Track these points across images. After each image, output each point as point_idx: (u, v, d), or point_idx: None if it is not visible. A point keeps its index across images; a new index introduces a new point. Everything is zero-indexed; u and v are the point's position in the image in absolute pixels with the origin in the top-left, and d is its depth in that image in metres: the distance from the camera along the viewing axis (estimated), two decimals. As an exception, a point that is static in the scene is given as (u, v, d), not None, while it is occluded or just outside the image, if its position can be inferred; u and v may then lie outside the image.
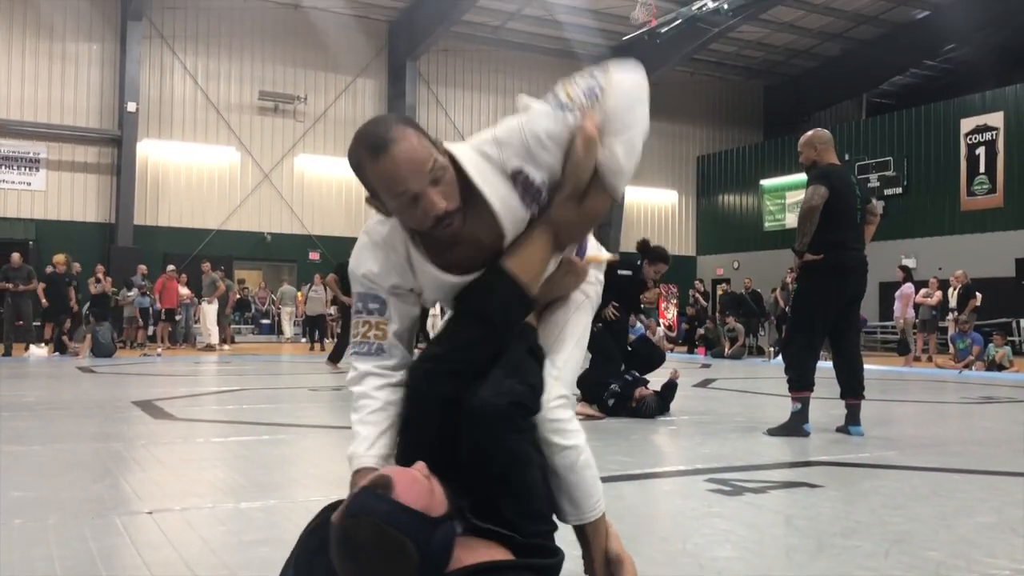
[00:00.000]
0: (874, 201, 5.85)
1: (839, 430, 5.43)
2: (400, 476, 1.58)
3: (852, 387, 5.42)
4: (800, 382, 5.34)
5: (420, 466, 1.63)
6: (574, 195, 1.83)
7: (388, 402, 1.86)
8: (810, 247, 5.30)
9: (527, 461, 1.74)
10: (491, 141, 1.80)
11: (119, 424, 5.69)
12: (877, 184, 21.32)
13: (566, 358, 1.95)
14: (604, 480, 3.75)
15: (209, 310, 16.79)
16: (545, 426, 1.83)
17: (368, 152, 1.69)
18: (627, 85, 1.82)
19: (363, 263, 1.90)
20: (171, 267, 17.45)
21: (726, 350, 16.80)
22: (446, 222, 1.73)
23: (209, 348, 16.56)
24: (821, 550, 2.79)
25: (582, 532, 1.94)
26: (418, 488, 1.57)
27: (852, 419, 5.40)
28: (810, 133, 5.68)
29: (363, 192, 1.81)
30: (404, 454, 1.80)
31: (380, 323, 1.89)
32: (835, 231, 5.29)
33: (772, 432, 5.31)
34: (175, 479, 3.88)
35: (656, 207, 27.09)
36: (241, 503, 3.29)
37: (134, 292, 16.67)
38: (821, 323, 5.40)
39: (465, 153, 1.78)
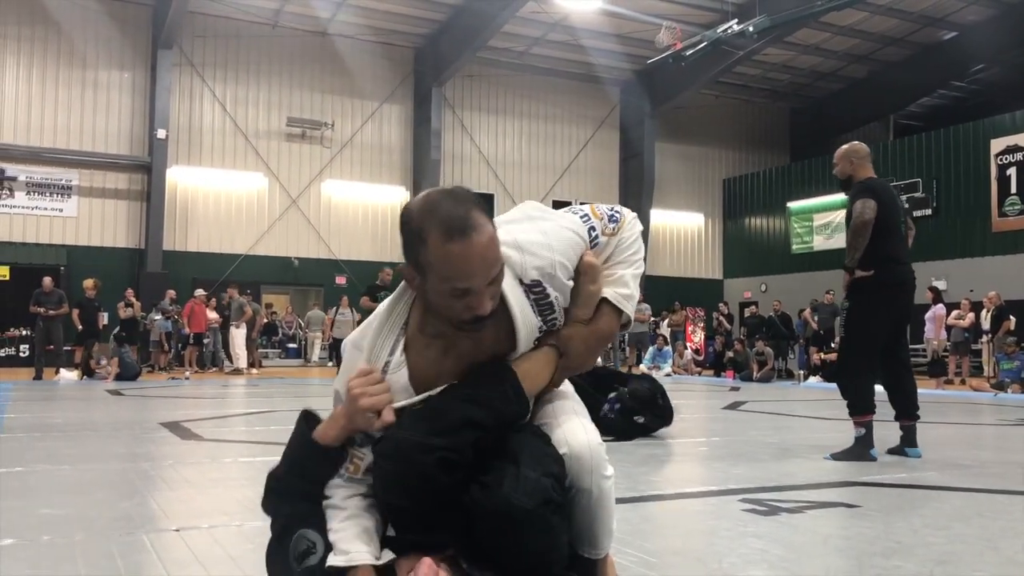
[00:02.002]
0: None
1: (892, 452, 5.25)
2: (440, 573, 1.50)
3: (906, 408, 5.25)
4: (861, 406, 5.14)
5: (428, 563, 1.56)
6: (583, 318, 1.83)
7: (359, 512, 1.73)
8: (860, 263, 5.16)
9: (559, 549, 1.68)
10: (513, 244, 1.73)
11: (147, 444, 5.69)
12: (906, 206, 21.03)
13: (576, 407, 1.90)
14: (634, 501, 3.72)
15: (238, 334, 16.89)
16: (595, 454, 1.76)
17: (443, 230, 1.57)
18: (635, 224, 1.93)
19: (355, 348, 1.81)
20: (200, 291, 17.64)
21: (755, 373, 16.62)
22: (480, 323, 1.66)
23: (237, 372, 16.64)
24: (861, 570, 2.70)
25: (592, 568, 1.86)
26: None
27: (908, 441, 5.23)
28: (846, 147, 5.59)
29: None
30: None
31: (357, 456, 1.76)
32: (885, 246, 5.15)
33: (836, 457, 5.09)
34: (202, 498, 3.86)
35: (682, 230, 26.98)
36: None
37: (159, 316, 16.82)
38: (876, 342, 5.19)
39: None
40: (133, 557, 2.71)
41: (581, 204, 1.93)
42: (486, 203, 1.70)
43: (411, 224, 1.62)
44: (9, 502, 3.58)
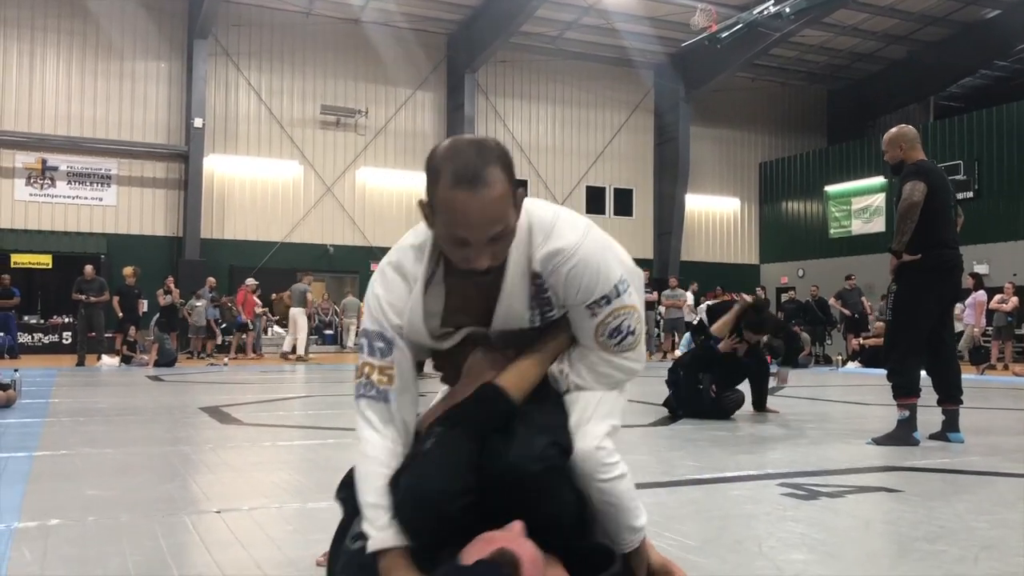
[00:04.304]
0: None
1: (934, 437, 5.18)
2: (524, 553, 1.48)
3: (950, 392, 5.18)
4: (906, 388, 5.09)
5: (519, 528, 1.54)
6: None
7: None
8: (908, 247, 5.08)
9: (568, 511, 1.70)
10: (544, 224, 1.73)
11: (187, 429, 5.77)
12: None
13: (609, 398, 1.89)
14: (671, 485, 3.70)
15: (300, 320, 16.98)
16: (587, 459, 1.77)
17: (454, 176, 1.59)
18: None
19: (377, 285, 1.82)
20: (251, 280, 18.05)
21: (792, 358, 16.45)
22: (479, 274, 1.68)
23: (285, 357, 16.76)
24: (904, 555, 2.67)
25: (629, 559, 1.86)
26: (539, 568, 1.49)
27: (951, 426, 5.17)
28: (894, 131, 5.49)
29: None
30: None
31: (385, 368, 1.77)
32: (933, 229, 5.07)
33: (878, 441, 5.04)
34: (242, 481, 3.90)
35: (718, 215, 26.74)
36: (308, 503, 3.29)
37: (202, 303, 17.03)
38: (924, 325, 5.12)
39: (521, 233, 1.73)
40: (176, 538, 2.75)
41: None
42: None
43: (432, 162, 1.65)
44: (56, 484, 3.65)
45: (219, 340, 17.74)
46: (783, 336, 6.60)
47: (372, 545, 1.65)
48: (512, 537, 1.50)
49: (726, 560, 2.52)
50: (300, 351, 16.79)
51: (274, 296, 19.80)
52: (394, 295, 1.78)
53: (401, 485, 1.68)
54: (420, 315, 1.77)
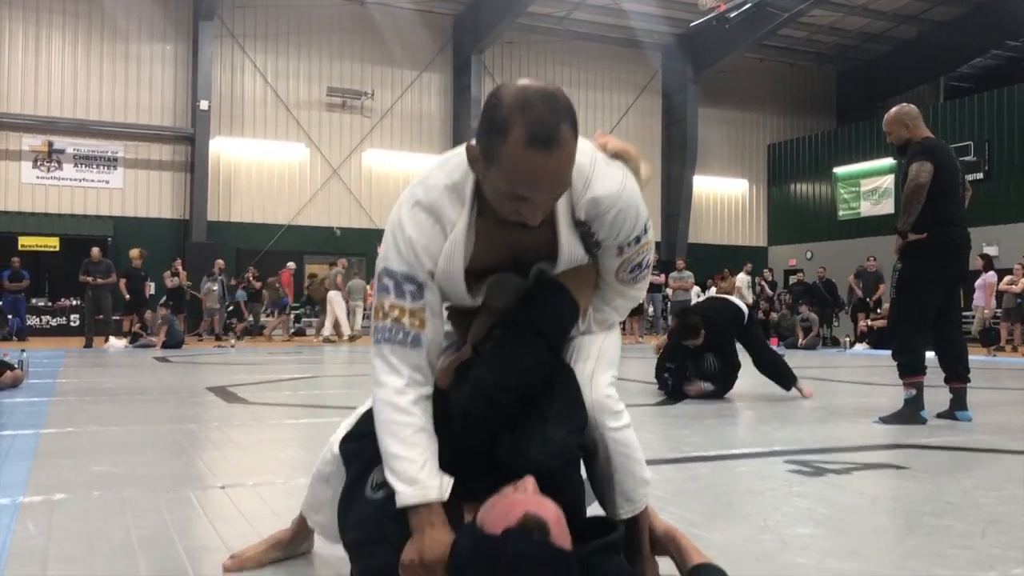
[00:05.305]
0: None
1: (942, 416, 5.15)
2: (549, 515, 1.47)
3: (957, 371, 5.16)
4: (912, 367, 5.07)
5: (532, 485, 1.52)
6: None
7: (428, 422, 1.67)
8: (914, 226, 5.04)
9: (582, 500, 1.72)
10: (582, 170, 1.66)
11: (194, 408, 5.78)
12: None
13: (609, 345, 1.89)
14: (677, 462, 3.69)
15: (338, 303, 17.04)
16: (600, 407, 1.77)
17: (529, 134, 1.47)
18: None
19: (407, 225, 1.67)
20: (292, 264, 18.53)
21: (800, 340, 16.43)
22: (522, 227, 1.62)
23: (328, 340, 16.82)
24: (911, 530, 2.65)
25: (630, 525, 1.83)
26: (563, 527, 1.48)
27: (959, 404, 5.14)
28: (895, 110, 5.42)
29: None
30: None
31: (417, 311, 1.66)
32: (941, 208, 5.02)
33: (885, 420, 5.03)
34: (248, 458, 3.91)
35: (726, 197, 26.63)
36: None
37: (217, 286, 17.11)
38: (929, 304, 5.08)
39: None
40: (180, 512, 2.75)
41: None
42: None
43: (498, 112, 1.51)
44: (61, 460, 3.66)
45: (248, 321, 18.02)
46: (715, 350, 6.32)
47: (403, 500, 1.57)
48: (531, 498, 1.48)
49: (731, 534, 2.51)
50: (344, 331, 16.86)
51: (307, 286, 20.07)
52: (428, 239, 1.65)
53: (462, 390, 1.68)
54: (461, 264, 1.67)
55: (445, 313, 1.87)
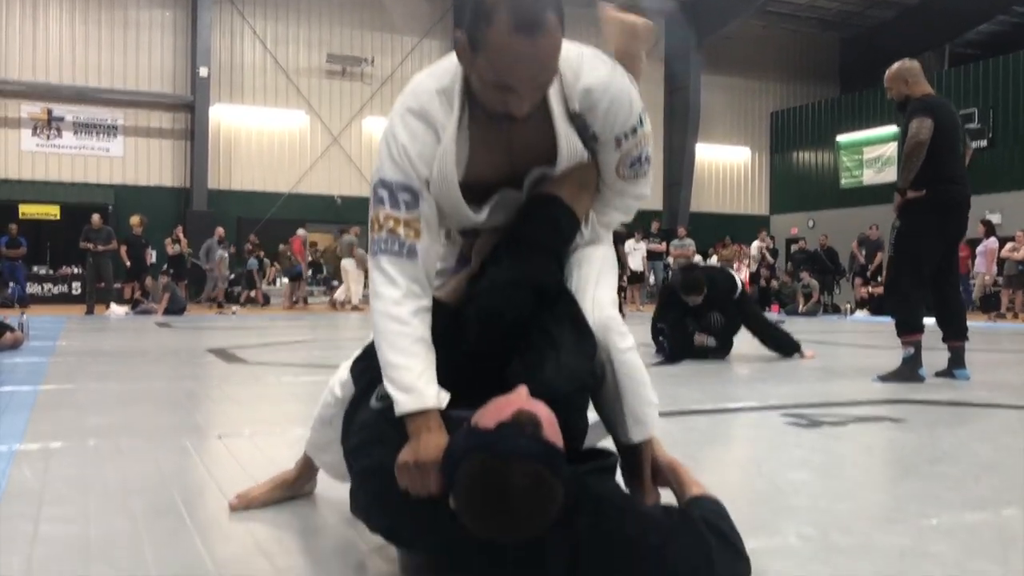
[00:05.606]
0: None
1: (940, 375, 5.13)
2: (542, 413, 1.47)
3: (955, 329, 5.13)
4: (910, 324, 5.04)
5: (526, 391, 1.52)
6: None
7: (426, 333, 1.64)
8: (913, 183, 4.98)
9: (586, 427, 1.72)
10: (571, 61, 1.67)
11: (193, 367, 5.79)
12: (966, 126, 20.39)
13: (609, 266, 1.90)
14: (676, 415, 3.69)
15: (353, 270, 17.02)
16: (606, 327, 1.76)
17: (513, 20, 1.46)
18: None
19: (399, 133, 1.65)
20: (302, 231, 18.30)
21: (800, 307, 16.42)
22: (511, 120, 1.60)
23: (340, 306, 16.83)
24: (905, 475, 2.66)
25: (635, 452, 1.83)
26: (556, 428, 1.48)
27: (956, 362, 5.12)
28: (896, 66, 5.35)
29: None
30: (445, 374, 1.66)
31: (412, 221, 1.64)
32: (940, 165, 4.97)
33: (884, 379, 5.01)
34: (245, 412, 3.92)
35: (728, 165, 26.49)
36: (308, 429, 3.29)
37: (227, 254, 17.12)
38: (927, 262, 5.04)
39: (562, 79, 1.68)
40: (175, 460, 2.76)
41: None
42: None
43: (485, 3, 1.50)
44: (60, 413, 3.67)
45: (259, 288, 18.00)
46: (670, 327, 6.24)
47: (400, 407, 1.56)
48: (525, 399, 1.49)
49: (725, 479, 2.52)
50: (355, 300, 16.87)
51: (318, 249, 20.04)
52: (421, 144, 1.64)
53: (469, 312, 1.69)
54: (454, 170, 1.66)
55: (443, 234, 1.86)
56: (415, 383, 1.57)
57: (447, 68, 1.67)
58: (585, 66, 1.69)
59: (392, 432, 1.58)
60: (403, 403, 1.57)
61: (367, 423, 1.67)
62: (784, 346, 6.55)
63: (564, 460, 1.44)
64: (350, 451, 1.72)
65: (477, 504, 1.40)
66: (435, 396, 1.58)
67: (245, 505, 2.16)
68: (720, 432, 3.39)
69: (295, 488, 2.25)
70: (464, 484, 1.41)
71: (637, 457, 1.83)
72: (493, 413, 1.46)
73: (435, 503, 1.50)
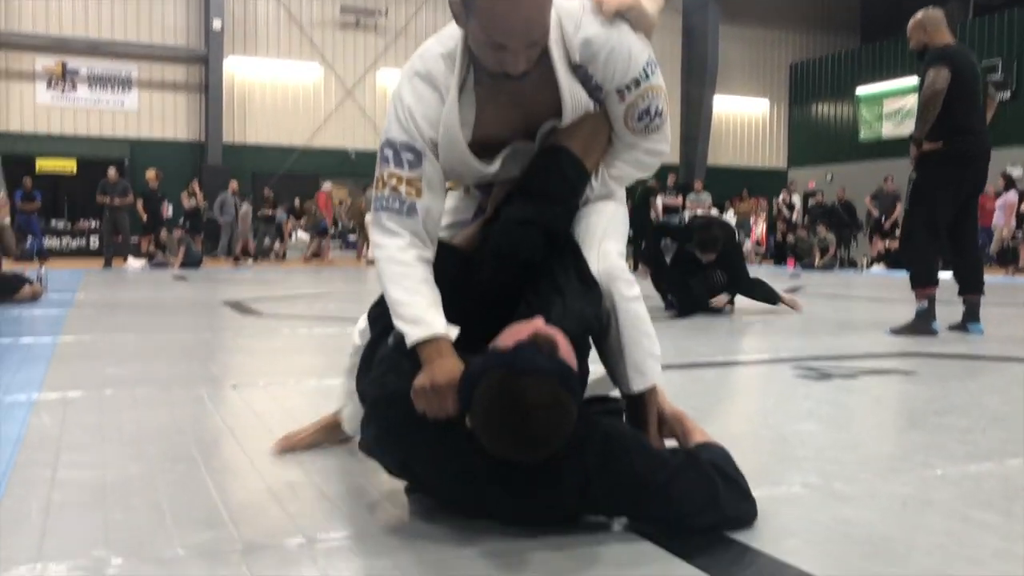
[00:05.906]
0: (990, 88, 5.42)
1: (954, 328, 5.10)
2: (558, 336, 1.52)
3: (971, 282, 5.08)
4: (925, 277, 5.00)
5: (542, 320, 1.57)
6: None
7: (430, 277, 1.70)
8: (930, 135, 4.92)
9: (585, 379, 1.77)
10: (573, 25, 1.71)
11: (209, 319, 5.85)
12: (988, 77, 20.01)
13: (618, 220, 1.92)
14: (683, 367, 3.71)
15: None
16: (611, 276, 1.78)
17: None
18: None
19: (405, 95, 1.73)
20: (328, 185, 18.50)
21: (816, 261, 16.34)
22: (513, 78, 1.65)
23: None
24: (913, 426, 2.68)
25: (639, 403, 1.86)
26: (571, 351, 1.53)
27: (971, 316, 5.08)
28: (919, 15, 5.26)
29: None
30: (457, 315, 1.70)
31: (413, 179, 1.71)
32: (957, 116, 4.88)
33: (896, 332, 4.99)
34: (260, 362, 3.97)
35: (746, 117, 26.18)
36: (324, 380, 3.32)
37: (247, 208, 17.14)
38: (943, 215, 4.97)
39: (559, 30, 1.71)
40: (189, 408, 2.80)
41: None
42: None
43: None
44: (78, 363, 3.73)
45: (285, 242, 18.15)
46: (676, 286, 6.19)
47: (411, 338, 1.61)
48: (542, 324, 1.54)
49: (732, 430, 2.53)
50: (371, 255, 16.89)
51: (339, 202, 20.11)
52: (426, 106, 1.71)
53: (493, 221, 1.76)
54: (458, 128, 1.72)
55: (462, 189, 1.93)
56: (423, 315, 1.63)
57: (451, 33, 1.73)
58: (585, 18, 1.72)
59: (407, 362, 1.62)
60: (412, 334, 1.62)
61: (383, 357, 1.72)
62: (767, 296, 6.45)
63: (578, 381, 1.49)
64: (366, 386, 1.76)
65: (495, 420, 1.44)
66: (443, 326, 1.63)
67: (289, 447, 2.21)
68: (729, 384, 3.40)
69: (339, 433, 2.28)
70: (482, 400, 1.45)
71: (642, 408, 1.85)
72: (512, 335, 1.52)
73: (450, 429, 1.55)
